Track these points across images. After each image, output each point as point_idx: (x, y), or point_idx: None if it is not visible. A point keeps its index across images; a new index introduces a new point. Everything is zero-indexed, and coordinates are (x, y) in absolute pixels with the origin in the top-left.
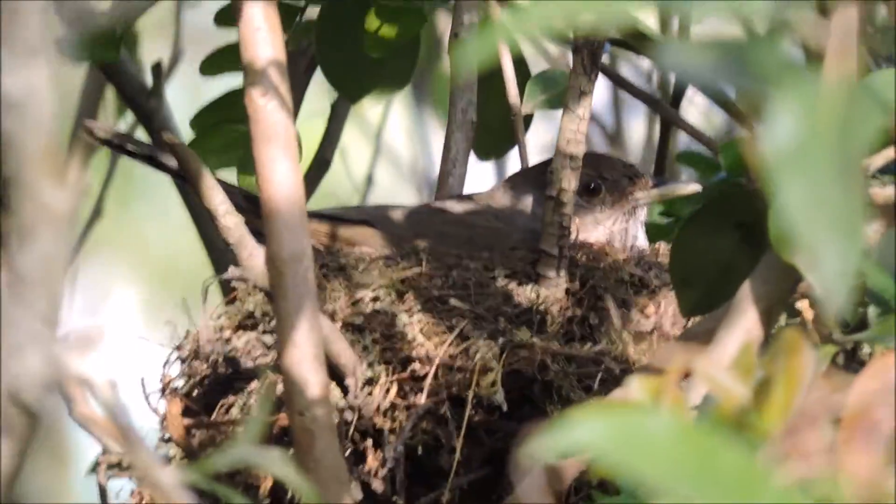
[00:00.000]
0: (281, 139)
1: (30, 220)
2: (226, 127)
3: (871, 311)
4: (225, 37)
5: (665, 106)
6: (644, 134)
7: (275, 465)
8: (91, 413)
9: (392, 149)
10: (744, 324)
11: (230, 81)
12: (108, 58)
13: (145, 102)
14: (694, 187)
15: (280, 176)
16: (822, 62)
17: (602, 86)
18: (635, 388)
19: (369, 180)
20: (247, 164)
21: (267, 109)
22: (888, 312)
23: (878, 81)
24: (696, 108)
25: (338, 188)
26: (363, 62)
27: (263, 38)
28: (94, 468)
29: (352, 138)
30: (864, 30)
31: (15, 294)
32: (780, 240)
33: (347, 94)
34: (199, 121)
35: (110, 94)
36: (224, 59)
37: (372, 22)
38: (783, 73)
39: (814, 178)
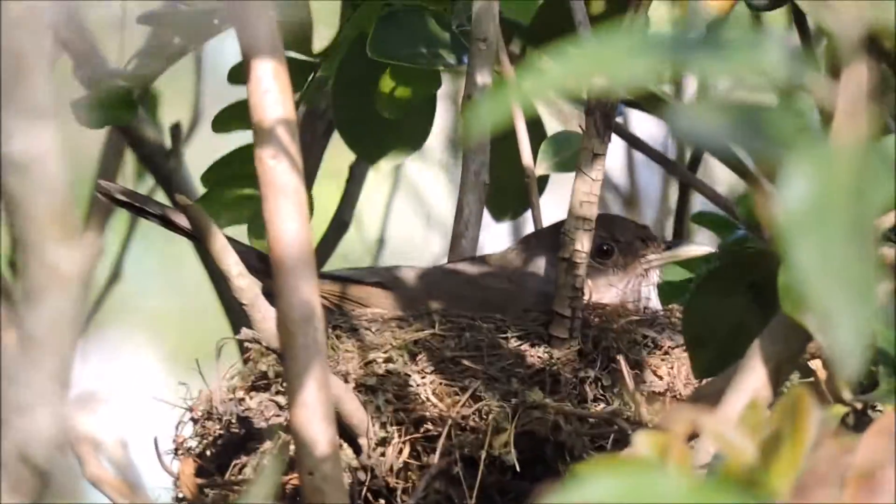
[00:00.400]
0: (291, 199)
1: (38, 280)
2: (237, 183)
3: (882, 370)
4: (243, 94)
5: (681, 167)
6: (659, 195)
7: None
8: (103, 473)
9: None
10: (752, 383)
11: (247, 138)
12: (125, 120)
13: (164, 164)
14: (706, 249)
15: (290, 236)
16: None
17: (618, 146)
18: (642, 445)
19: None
20: (258, 227)
21: (277, 170)
22: None
23: (893, 144)
24: (720, 167)
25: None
26: (380, 123)
27: (273, 99)
28: None
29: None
30: (880, 90)
31: (25, 354)
32: (789, 299)
33: (365, 155)
34: (210, 176)
35: (130, 157)
36: (235, 115)
37: (386, 83)
38: (797, 136)
39: (827, 240)
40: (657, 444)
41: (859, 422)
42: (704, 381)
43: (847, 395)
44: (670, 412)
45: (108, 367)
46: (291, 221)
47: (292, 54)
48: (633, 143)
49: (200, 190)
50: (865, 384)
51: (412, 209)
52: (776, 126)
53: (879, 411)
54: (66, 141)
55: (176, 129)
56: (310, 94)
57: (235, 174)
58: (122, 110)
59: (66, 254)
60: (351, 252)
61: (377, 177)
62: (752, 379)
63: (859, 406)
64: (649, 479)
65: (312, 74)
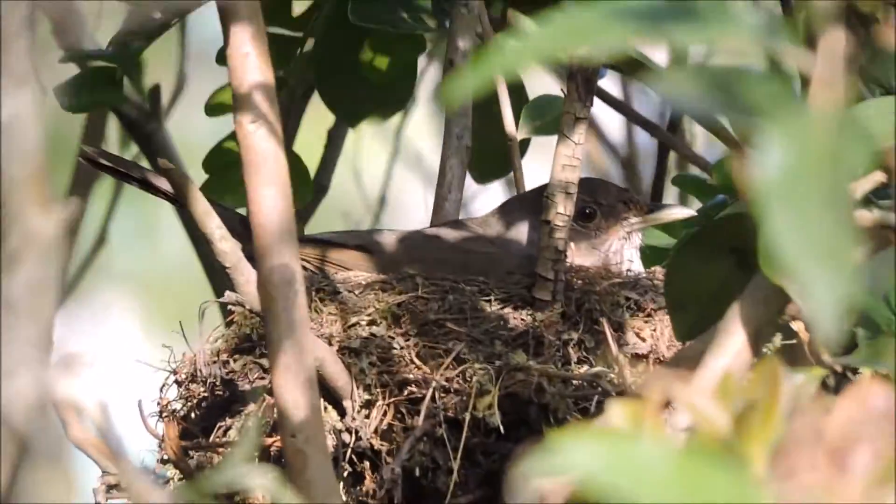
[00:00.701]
0: (270, 165)
1: (16, 245)
2: (237, 166)
3: (861, 333)
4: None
5: (662, 130)
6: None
7: (269, 485)
8: (86, 436)
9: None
10: (732, 346)
11: None
12: (110, 101)
13: (145, 127)
14: (688, 212)
15: (269, 201)
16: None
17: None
18: (615, 414)
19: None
20: None
21: (256, 136)
22: (877, 335)
23: (869, 110)
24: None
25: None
26: (360, 87)
27: (252, 63)
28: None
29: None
30: (856, 57)
31: (4, 319)
32: (768, 262)
33: (345, 119)
34: (210, 161)
35: (115, 124)
36: (227, 97)
37: (368, 51)
38: (773, 102)
39: (803, 206)
40: (631, 413)
41: (840, 384)
42: (686, 344)
43: (827, 358)
44: (652, 375)
45: (92, 330)
46: (271, 185)
47: (275, 29)
48: (615, 105)
49: (184, 153)
50: (848, 346)
51: (412, 169)
52: (752, 92)
53: (860, 373)
54: (51, 106)
55: (155, 91)
56: (297, 69)
57: (236, 158)
58: (107, 92)
59: (44, 219)
60: (353, 211)
61: (377, 137)
62: (733, 342)
63: (839, 369)
64: (634, 445)
65: (300, 49)
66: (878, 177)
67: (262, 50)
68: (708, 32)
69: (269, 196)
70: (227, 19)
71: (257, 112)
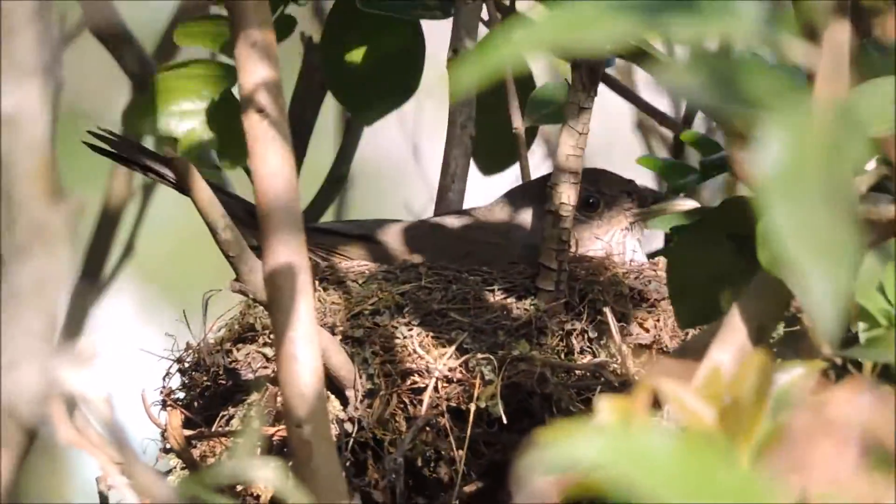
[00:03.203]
0: (277, 154)
1: (24, 237)
2: (179, 93)
3: (861, 326)
4: None
5: (671, 119)
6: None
7: (273, 476)
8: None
9: None
10: (736, 340)
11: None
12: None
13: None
14: (692, 203)
15: (276, 190)
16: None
17: None
18: (604, 410)
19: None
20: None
21: (263, 124)
22: (876, 327)
23: (865, 94)
24: None
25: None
26: (367, 79)
27: (260, 52)
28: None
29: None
30: (855, 50)
31: (10, 311)
32: (767, 255)
33: (355, 112)
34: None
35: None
36: (204, 31)
37: (374, 39)
38: (773, 95)
39: (803, 200)
40: (619, 410)
41: (840, 376)
42: (690, 335)
43: (827, 350)
44: (655, 365)
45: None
46: (278, 175)
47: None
48: (624, 94)
49: None
50: (849, 338)
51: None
52: (753, 84)
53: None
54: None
55: None
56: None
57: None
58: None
59: (52, 210)
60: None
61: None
62: (736, 336)
63: (839, 361)
64: (640, 436)
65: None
66: (882, 170)
67: (269, 40)
68: (709, 25)
69: (277, 184)
70: (233, 9)
71: (263, 101)
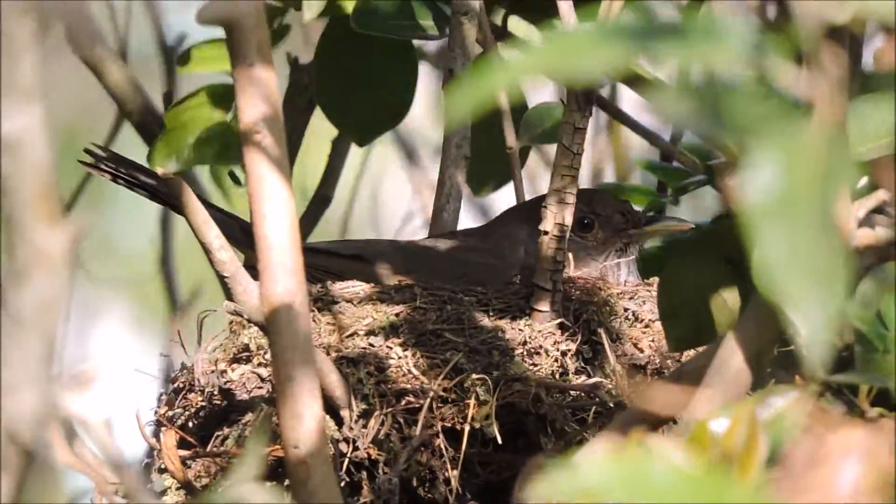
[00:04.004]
0: (275, 177)
1: (24, 262)
2: (198, 122)
3: (857, 349)
4: None
5: (662, 140)
6: None
7: (271, 499)
8: (76, 457)
9: None
10: (733, 364)
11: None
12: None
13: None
14: (686, 224)
15: (274, 213)
16: (806, 110)
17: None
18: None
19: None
20: (226, 155)
21: (261, 147)
22: (872, 352)
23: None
24: None
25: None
26: (360, 100)
27: (258, 72)
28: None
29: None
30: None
31: (10, 335)
32: (761, 280)
33: (348, 133)
34: (172, 117)
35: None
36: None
37: (368, 60)
38: (763, 121)
39: (793, 225)
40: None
41: (835, 400)
42: (685, 357)
43: (821, 374)
44: (652, 389)
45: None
46: (276, 198)
47: None
48: (616, 115)
49: None
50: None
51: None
52: (744, 110)
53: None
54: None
55: (168, 96)
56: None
57: (197, 115)
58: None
59: (52, 234)
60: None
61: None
62: (733, 362)
63: (835, 385)
64: (648, 464)
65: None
66: (881, 195)
67: (267, 61)
68: (697, 51)
69: (275, 207)
70: (231, 30)
71: (262, 124)
